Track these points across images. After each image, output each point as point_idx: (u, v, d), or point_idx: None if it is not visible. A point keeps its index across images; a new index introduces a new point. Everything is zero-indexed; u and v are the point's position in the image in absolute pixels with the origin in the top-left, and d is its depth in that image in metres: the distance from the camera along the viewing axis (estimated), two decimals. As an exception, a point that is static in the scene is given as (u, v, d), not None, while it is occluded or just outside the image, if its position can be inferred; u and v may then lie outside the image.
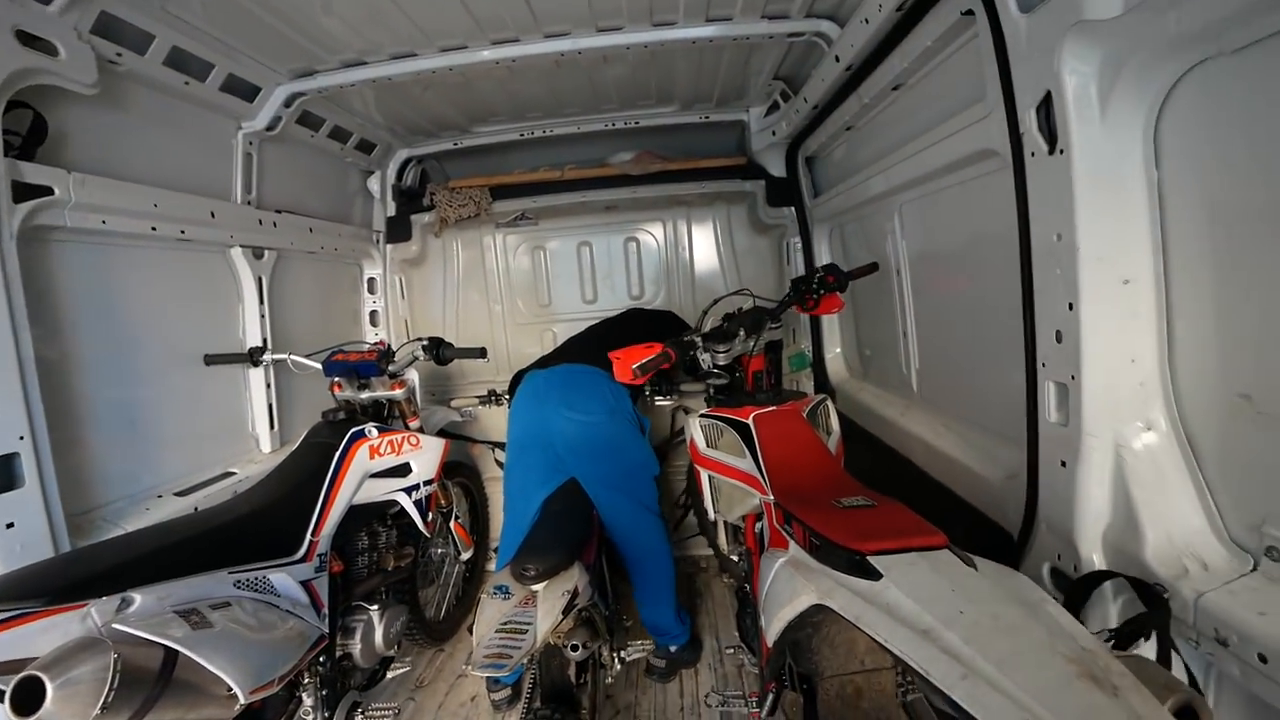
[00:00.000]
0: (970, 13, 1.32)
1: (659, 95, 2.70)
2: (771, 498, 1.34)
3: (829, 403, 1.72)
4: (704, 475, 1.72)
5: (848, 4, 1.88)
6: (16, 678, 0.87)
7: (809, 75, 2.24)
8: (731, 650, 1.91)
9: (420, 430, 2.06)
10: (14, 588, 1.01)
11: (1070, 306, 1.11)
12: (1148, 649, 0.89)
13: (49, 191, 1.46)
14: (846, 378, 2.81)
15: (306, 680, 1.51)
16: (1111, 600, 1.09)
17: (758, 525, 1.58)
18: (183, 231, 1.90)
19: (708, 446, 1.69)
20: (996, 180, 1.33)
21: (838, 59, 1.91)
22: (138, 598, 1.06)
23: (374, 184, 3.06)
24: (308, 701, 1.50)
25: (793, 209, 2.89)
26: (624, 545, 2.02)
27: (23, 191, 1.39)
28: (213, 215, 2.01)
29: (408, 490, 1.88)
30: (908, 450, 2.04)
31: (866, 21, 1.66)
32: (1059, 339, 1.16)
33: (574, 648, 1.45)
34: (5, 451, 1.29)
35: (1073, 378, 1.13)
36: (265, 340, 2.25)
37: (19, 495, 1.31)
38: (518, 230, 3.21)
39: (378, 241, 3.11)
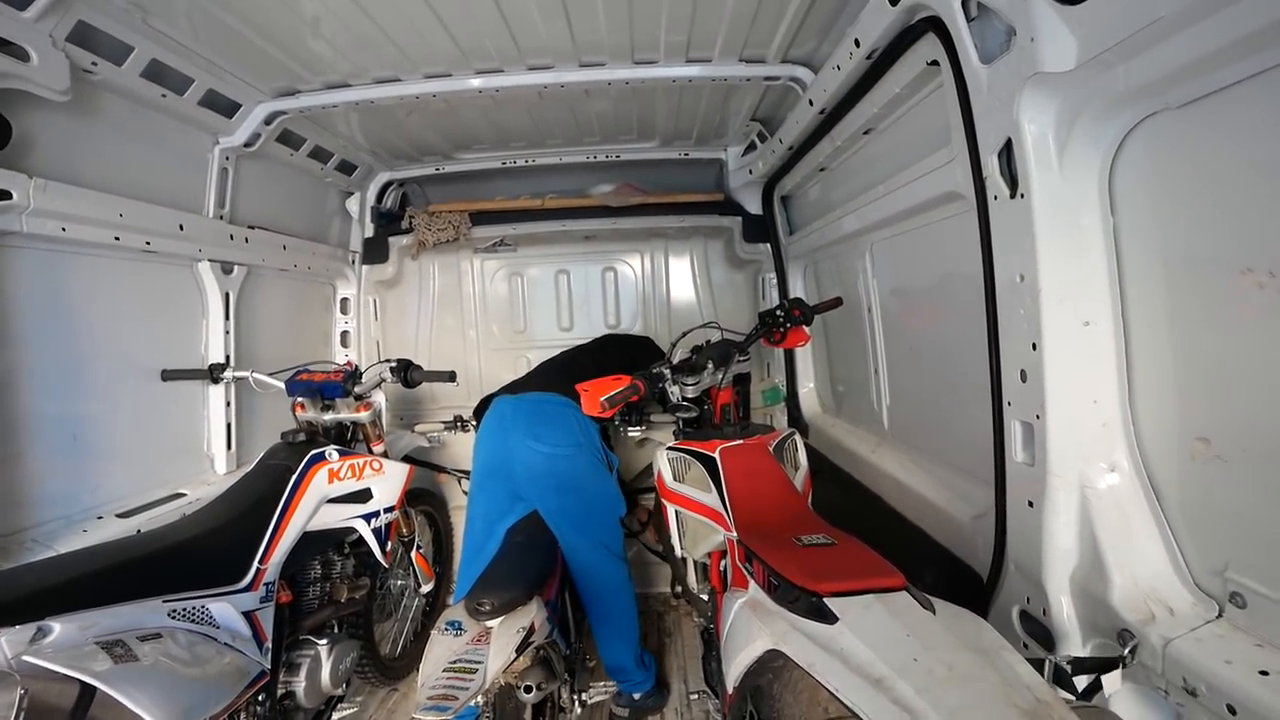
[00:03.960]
0: (935, 63, 1.38)
1: (640, 130, 2.77)
2: (734, 534, 1.31)
3: (797, 437, 1.72)
4: (670, 510, 1.68)
5: (821, 52, 1.96)
6: None
7: (784, 117, 2.32)
8: (697, 696, 1.83)
9: (384, 455, 2.00)
10: None
11: (1034, 346, 1.13)
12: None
13: (6, 196, 1.41)
14: (819, 413, 2.82)
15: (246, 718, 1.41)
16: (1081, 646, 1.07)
17: (723, 563, 1.55)
18: (148, 243, 1.85)
19: (675, 480, 1.65)
20: (962, 222, 1.37)
21: (811, 103, 1.98)
22: (56, 627, 0.97)
23: (353, 205, 3.05)
24: (241, 747, 1.39)
25: (768, 245, 2.96)
26: (583, 584, 1.94)
27: (-22, 195, 1.35)
28: (181, 228, 1.97)
29: (367, 517, 1.80)
30: (879, 488, 2.03)
31: (838, 68, 1.72)
32: (1024, 378, 1.17)
33: (527, 689, 1.37)
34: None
35: (1038, 417, 1.14)
36: (228, 357, 2.18)
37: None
38: (496, 256, 3.21)
39: (353, 262, 3.08)
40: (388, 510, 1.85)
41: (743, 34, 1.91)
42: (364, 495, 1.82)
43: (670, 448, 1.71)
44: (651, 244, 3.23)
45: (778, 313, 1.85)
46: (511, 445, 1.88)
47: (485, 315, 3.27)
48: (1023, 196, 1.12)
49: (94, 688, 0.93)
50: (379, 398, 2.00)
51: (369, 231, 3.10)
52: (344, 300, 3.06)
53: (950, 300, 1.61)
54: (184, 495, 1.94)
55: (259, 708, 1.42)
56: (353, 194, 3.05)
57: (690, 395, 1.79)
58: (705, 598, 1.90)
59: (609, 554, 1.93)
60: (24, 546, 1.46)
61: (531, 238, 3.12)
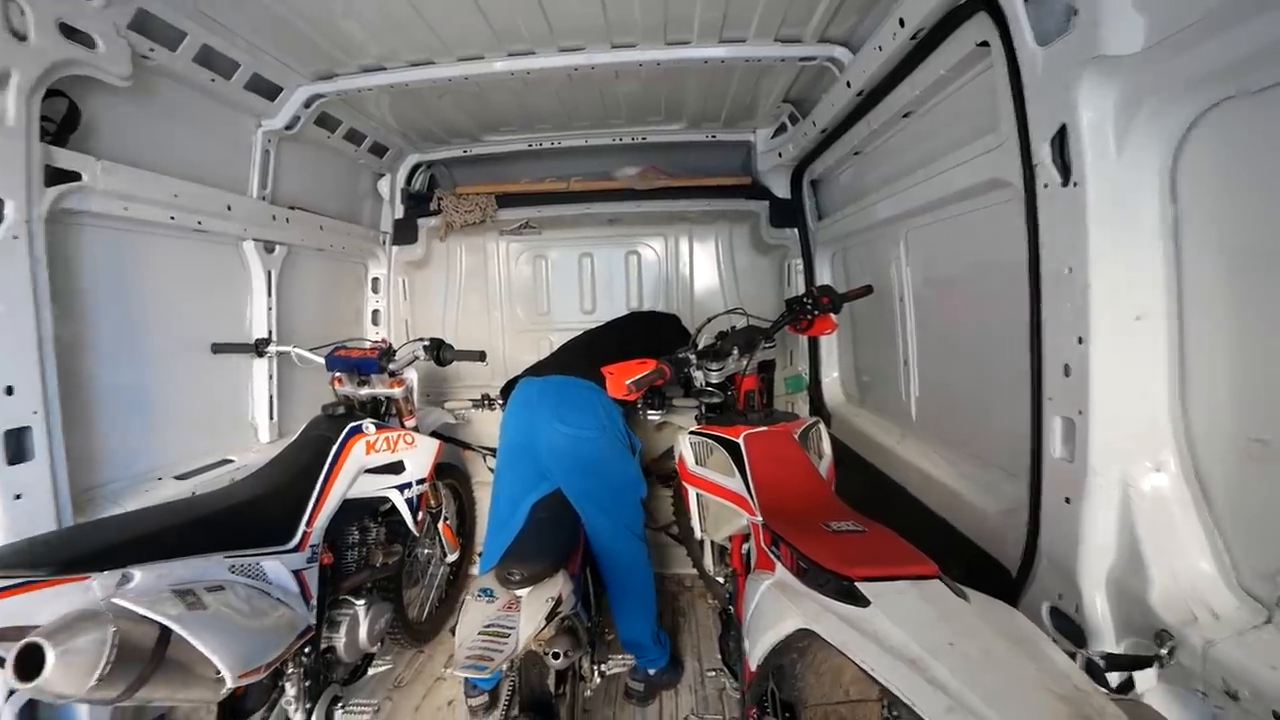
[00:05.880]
0: (985, 44, 1.32)
1: (668, 112, 2.75)
2: (759, 518, 1.33)
3: (822, 426, 1.71)
4: (692, 493, 1.70)
5: (861, 31, 1.90)
6: (19, 644, 0.90)
7: (818, 99, 2.25)
8: (714, 673, 1.86)
9: (415, 429, 2.10)
10: (20, 557, 1.03)
11: (1080, 340, 1.09)
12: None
13: (77, 177, 1.50)
14: (843, 402, 2.79)
15: (290, 670, 1.51)
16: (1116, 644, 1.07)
17: (745, 546, 1.56)
18: (199, 222, 1.94)
19: (696, 464, 1.68)
20: (1007, 210, 1.32)
21: (849, 84, 1.92)
22: (137, 574, 1.08)
23: (384, 186, 3.12)
24: (290, 691, 1.50)
25: (795, 231, 2.91)
26: (604, 561, 2.00)
27: (54, 176, 1.43)
28: (229, 208, 2.06)
29: (400, 488, 1.90)
30: (903, 479, 2.01)
31: (879, 49, 1.67)
32: (1067, 373, 1.14)
33: (555, 655, 1.44)
34: (19, 425, 1.32)
35: (1080, 413, 1.11)
36: (271, 332, 2.28)
37: (29, 468, 1.34)
38: (521, 238, 3.25)
39: (384, 243, 3.15)
40: (420, 482, 1.94)
41: (780, 12, 1.87)
42: (397, 467, 1.90)
43: (693, 432, 1.73)
44: (676, 228, 3.21)
45: (805, 300, 1.82)
46: (537, 426, 1.92)
47: (510, 297, 3.32)
48: (1075, 185, 1.07)
49: (170, 630, 1.03)
50: (411, 375, 2.08)
51: (399, 213, 3.17)
52: (375, 280, 3.14)
53: (989, 291, 1.57)
54: (232, 461, 2.06)
55: (305, 659, 1.54)
56: (383, 176, 3.11)
57: (715, 381, 1.80)
58: (722, 580, 1.95)
59: (630, 534, 1.97)
60: (96, 502, 1.59)
61: (556, 220, 3.13)
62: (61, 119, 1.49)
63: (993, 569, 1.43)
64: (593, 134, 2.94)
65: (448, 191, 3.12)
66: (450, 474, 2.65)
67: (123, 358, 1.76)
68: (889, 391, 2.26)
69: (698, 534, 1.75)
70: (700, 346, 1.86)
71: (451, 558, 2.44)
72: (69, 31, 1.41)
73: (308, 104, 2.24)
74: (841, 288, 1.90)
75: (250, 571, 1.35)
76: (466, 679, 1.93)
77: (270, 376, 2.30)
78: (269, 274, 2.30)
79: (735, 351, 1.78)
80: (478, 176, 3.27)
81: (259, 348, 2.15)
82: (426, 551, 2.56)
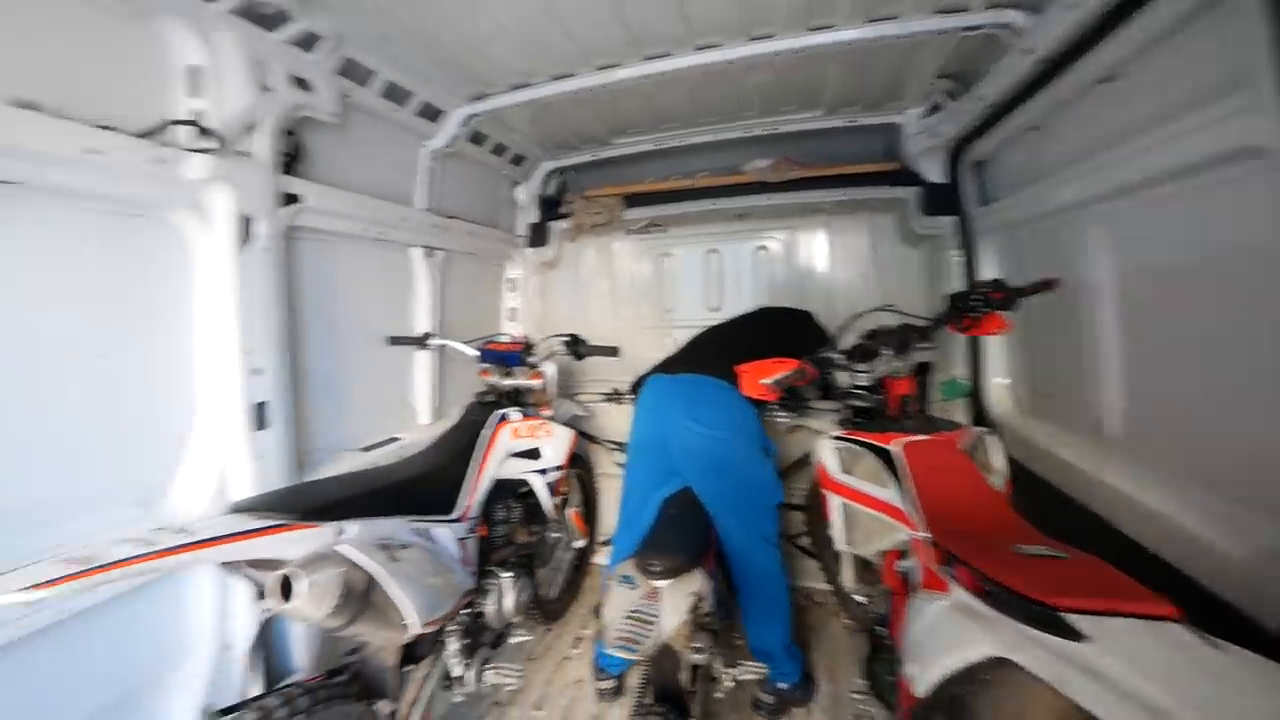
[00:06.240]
0: None
1: (803, 100, 2.64)
2: (926, 535, 1.24)
3: (994, 438, 1.54)
4: (834, 502, 1.61)
5: None
6: (278, 572, 1.12)
7: (984, 71, 2.04)
8: (861, 696, 1.71)
9: (551, 419, 2.27)
10: (274, 504, 1.28)
11: None
12: None
13: (298, 199, 1.83)
14: (1012, 412, 2.45)
15: (451, 628, 1.72)
16: None
17: (901, 563, 1.46)
18: (380, 233, 2.27)
19: (841, 471, 1.59)
20: (1256, 184, 1.11)
21: (1028, 51, 1.72)
22: (352, 528, 1.30)
23: (520, 193, 3.39)
24: (452, 646, 1.70)
25: (953, 218, 2.64)
26: (735, 565, 1.94)
27: (285, 199, 1.77)
28: (402, 219, 2.37)
29: (539, 472, 2.07)
30: (1104, 507, 1.72)
31: (1072, 7, 1.47)
32: None
33: (697, 649, 1.44)
34: (261, 399, 1.65)
35: None
36: (434, 327, 2.59)
37: (269, 434, 1.67)
38: (647, 237, 3.32)
39: (519, 245, 3.43)
40: (557, 469, 2.10)
41: None
42: (536, 453, 2.08)
43: (836, 437, 1.64)
44: (809, 220, 3.08)
45: (974, 295, 1.63)
46: (667, 423, 1.93)
47: (635, 295, 3.41)
48: None
49: (373, 578, 1.24)
50: (550, 368, 2.25)
51: (534, 217, 3.42)
52: (511, 280, 3.43)
53: (1228, 284, 1.32)
54: (399, 439, 2.37)
55: (464, 619, 1.74)
56: (519, 183, 3.38)
57: (863, 383, 1.70)
58: (864, 598, 1.83)
59: (763, 540, 1.90)
60: (305, 467, 1.92)
61: (681, 218, 3.16)
62: (291, 151, 1.82)
63: (1235, 621, 1.21)
64: (721, 129, 2.91)
65: (577, 195, 3.30)
66: (577, 464, 2.79)
67: (324, 348, 2.10)
68: (1079, 402, 1.94)
69: (838, 546, 1.65)
70: (847, 345, 1.76)
71: (579, 544, 2.60)
72: (298, 81, 1.71)
73: (464, 123, 2.50)
74: (1014, 281, 1.68)
75: (426, 535, 1.55)
76: (596, 663, 2.04)
77: (430, 366, 2.60)
78: (431, 276, 2.60)
79: (889, 352, 1.66)
80: (604, 179, 3.42)
81: (424, 340, 2.44)
82: (554, 535, 2.74)
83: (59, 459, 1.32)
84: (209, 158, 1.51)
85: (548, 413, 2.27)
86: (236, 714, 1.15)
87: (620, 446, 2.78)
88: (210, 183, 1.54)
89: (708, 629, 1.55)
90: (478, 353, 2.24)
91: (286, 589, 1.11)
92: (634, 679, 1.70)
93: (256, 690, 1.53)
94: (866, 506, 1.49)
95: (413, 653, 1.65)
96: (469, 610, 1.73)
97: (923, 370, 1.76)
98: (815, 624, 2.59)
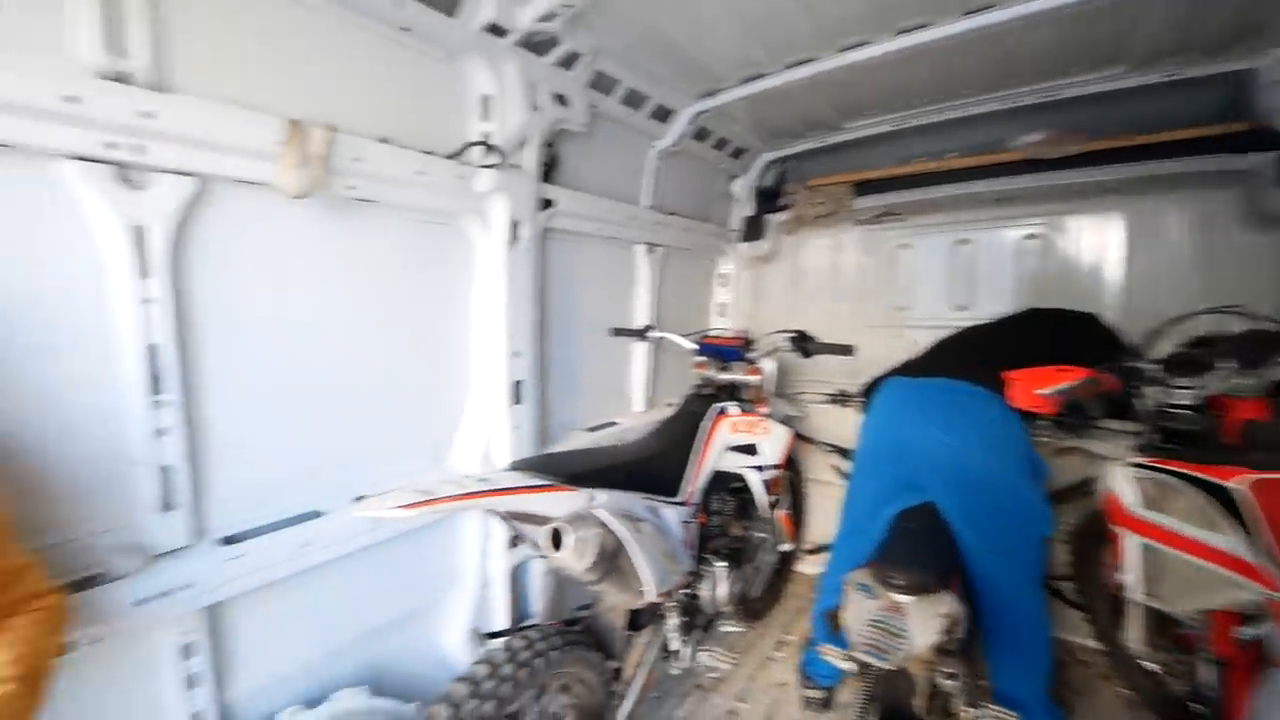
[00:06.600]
0: None
1: (1097, 58, 2.10)
2: None
3: None
4: (1131, 543, 1.41)
5: None
6: (550, 525, 1.27)
7: None
8: None
9: (768, 416, 2.20)
10: (541, 467, 1.46)
11: None
12: None
13: (553, 204, 2.08)
14: None
15: (670, 604, 1.78)
16: None
17: (1246, 629, 1.28)
18: (612, 231, 2.45)
19: (1145, 507, 1.37)
20: None
21: None
22: (601, 496, 1.42)
23: (737, 186, 3.34)
24: (672, 622, 1.77)
25: None
26: (986, 598, 1.67)
27: (542, 204, 2.02)
28: (630, 218, 2.54)
29: (756, 468, 2.03)
30: None
31: None
32: None
33: (949, 675, 1.31)
34: (519, 379, 1.92)
35: None
36: (652, 320, 2.73)
37: (522, 409, 1.94)
38: (879, 227, 3.01)
39: (732, 240, 3.41)
40: (774, 467, 2.03)
41: None
42: (751, 449, 2.04)
43: (1137, 464, 1.38)
44: (1096, 203, 2.48)
45: None
46: (908, 432, 1.75)
47: (860, 290, 3.14)
48: None
49: (621, 543, 1.33)
50: (769, 365, 2.18)
51: (749, 210, 3.37)
52: (723, 275, 3.44)
53: None
54: (617, 424, 2.55)
55: (683, 599, 1.79)
56: (736, 176, 3.35)
57: (1183, 401, 1.39)
58: (1157, 665, 1.57)
59: (1024, 576, 1.63)
60: (550, 439, 2.18)
61: (923, 205, 2.80)
62: (549, 161, 2.07)
63: None
64: (977, 101, 2.49)
65: (799, 185, 3.15)
66: (790, 466, 2.68)
67: (561, 336, 2.36)
68: None
69: (1133, 597, 1.39)
70: (1165, 355, 1.45)
71: (785, 547, 2.48)
72: (558, 98, 1.93)
73: (691, 121, 2.56)
74: None
75: (655, 514, 1.62)
76: (803, 669, 1.95)
77: (645, 357, 2.74)
78: (650, 271, 2.73)
79: (1230, 364, 1.36)
80: (830, 167, 3.18)
81: (643, 333, 2.59)
82: (759, 535, 2.67)
83: (382, 416, 1.71)
84: (493, 172, 1.79)
85: (764, 410, 2.20)
86: (506, 638, 1.34)
87: (842, 452, 2.61)
88: (492, 193, 1.83)
89: (964, 657, 1.38)
90: (695, 346, 2.27)
91: (557, 541, 1.25)
92: (845, 695, 1.60)
93: (504, 625, 1.78)
94: (1188, 553, 1.30)
95: (636, 619, 1.74)
96: (687, 591, 1.77)
97: (1278, 390, 1.44)
98: (1077, 684, 2.16)
